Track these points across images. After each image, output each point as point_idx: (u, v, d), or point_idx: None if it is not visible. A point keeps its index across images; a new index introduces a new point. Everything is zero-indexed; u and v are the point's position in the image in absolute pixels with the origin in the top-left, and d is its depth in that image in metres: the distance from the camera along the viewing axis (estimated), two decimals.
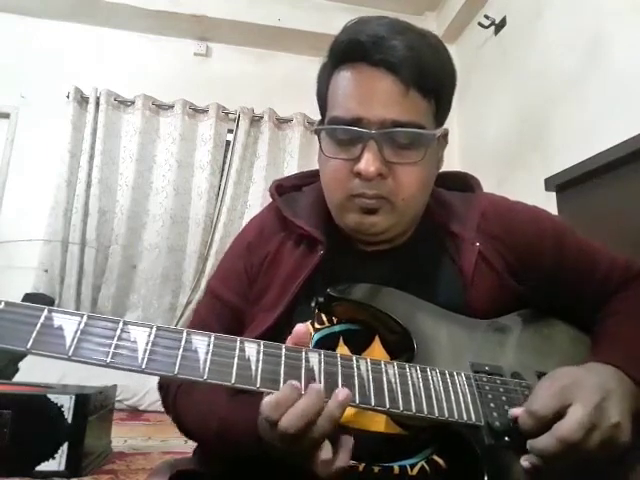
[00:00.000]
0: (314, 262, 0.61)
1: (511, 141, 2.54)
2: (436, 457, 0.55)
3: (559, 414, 0.47)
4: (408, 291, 0.59)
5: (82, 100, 3.05)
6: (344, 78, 0.58)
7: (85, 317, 0.40)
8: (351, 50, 0.57)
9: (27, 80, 3.00)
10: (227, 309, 0.67)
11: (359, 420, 0.55)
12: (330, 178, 0.60)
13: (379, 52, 0.55)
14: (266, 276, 0.65)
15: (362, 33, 0.56)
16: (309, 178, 0.74)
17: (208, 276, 2.92)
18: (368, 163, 0.55)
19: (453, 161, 2.90)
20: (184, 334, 0.43)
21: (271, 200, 0.70)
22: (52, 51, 3.05)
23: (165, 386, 0.67)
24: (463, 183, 0.71)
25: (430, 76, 0.57)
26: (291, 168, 3.14)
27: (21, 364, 2.42)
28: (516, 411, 0.50)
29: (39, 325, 0.38)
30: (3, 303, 0.38)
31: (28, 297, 2.71)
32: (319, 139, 0.61)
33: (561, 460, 0.46)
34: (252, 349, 0.44)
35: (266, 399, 0.42)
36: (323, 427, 0.42)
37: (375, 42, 0.55)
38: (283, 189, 0.71)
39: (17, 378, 2.32)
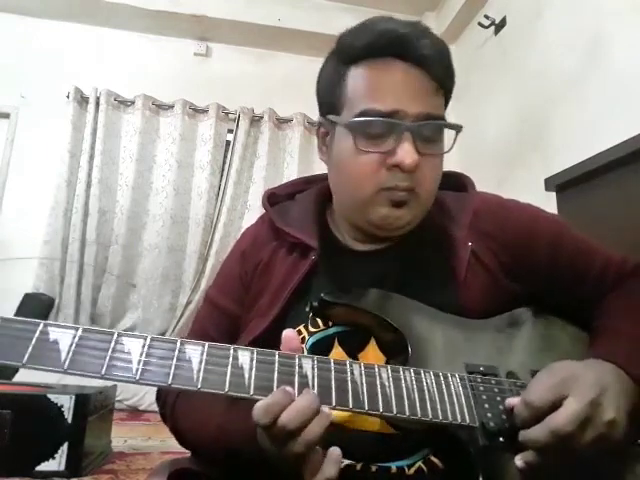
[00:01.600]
0: (306, 267, 0.62)
1: (511, 141, 2.54)
2: (433, 457, 0.55)
3: (555, 406, 0.47)
4: (402, 291, 0.60)
5: (82, 100, 3.05)
6: (374, 72, 0.59)
7: (80, 330, 0.40)
8: (386, 46, 0.58)
9: (27, 80, 3.00)
10: (225, 316, 0.68)
11: (356, 420, 0.56)
12: (359, 172, 0.60)
13: (415, 49, 0.57)
14: (259, 282, 0.66)
15: (393, 31, 0.58)
16: (302, 185, 0.74)
17: (208, 276, 2.93)
18: (407, 154, 0.56)
19: (453, 161, 2.89)
20: (178, 344, 0.43)
21: (264, 209, 0.71)
22: (52, 51, 3.05)
23: (163, 397, 0.67)
24: (456, 182, 0.71)
25: (450, 75, 0.61)
26: (291, 168, 3.14)
27: None
28: (512, 401, 0.50)
29: (34, 340, 0.39)
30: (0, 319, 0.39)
31: (28, 297, 2.72)
32: (353, 134, 0.58)
33: (553, 454, 0.46)
34: (245, 357, 0.45)
35: (257, 404, 0.43)
36: (314, 431, 0.43)
37: (410, 40, 0.58)
38: (276, 198, 0.72)
39: (17, 378, 2.33)
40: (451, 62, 0.61)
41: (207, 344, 0.44)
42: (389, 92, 0.58)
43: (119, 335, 0.41)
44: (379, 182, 0.58)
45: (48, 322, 0.39)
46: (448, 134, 0.65)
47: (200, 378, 0.42)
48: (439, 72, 0.58)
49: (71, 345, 0.39)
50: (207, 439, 0.57)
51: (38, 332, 0.39)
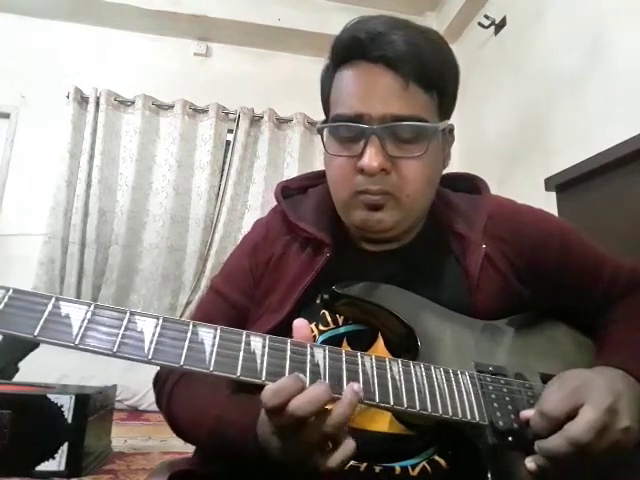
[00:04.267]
0: (320, 264, 0.62)
1: (511, 141, 2.54)
2: (437, 457, 0.55)
3: (570, 415, 0.46)
4: (413, 291, 0.59)
5: (82, 100, 3.04)
6: (345, 76, 0.59)
7: (92, 306, 0.40)
8: (350, 48, 0.58)
9: (27, 80, 3.00)
10: (229, 306, 0.67)
11: (360, 420, 0.56)
12: (335, 176, 0.61)
13: (377, 48, 0.55)
14: (271, 278, 0.65)
15: (360, 30, 0.57)
16: (315, 179, 0.74)
17: (208, 276, 2.92)
18: (371, 158, 0.55)
19: (453, 161, 2.89)
20: (190, 326, 0.43)
21: (277, 202, 0.70)
22: (52, 51, 3.05)
23: (161, 382, 0.66)
24: (470, 185, 0.71)
25: (430, 70, 0.57)
26: (291, 168, 3.14)
27: (21, 364, 2.41)
28: (527, 413, 0.50)
29: (47, 313, 0.38)
30: (11, 290, 0.38)
31: None
32: (322, 138, 0.61)
33: (569, 461, 0.46)
34: (258, 343, 0.44)
35: (267, 386, 0.42)
36: (339, 420, 0.42)
37: (373, 38, 0.56)
38: (289, 191, 0.71)
39: (17, 378, 2.31)
40: (435, 57, 0.57)
41: (220, 327, 0.44)
42: (353, 96, 0.57)
43: (132, 314, 0.40)
44: (352, 185, 0.58)
45: (60, 296, 0.39)
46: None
47: (212, 361, 0.41)
48: (408, 69, 0.55)
49: (83, 320, 0.38)
50: (204, 429, 0.56)
51: (50, 305, 0.38)
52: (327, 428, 0.42)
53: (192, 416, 0.59)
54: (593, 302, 0.64)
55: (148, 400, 2.44)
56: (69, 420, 1.48)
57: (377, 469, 0.54)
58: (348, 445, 0.44)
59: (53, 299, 0.39)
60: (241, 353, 0.43)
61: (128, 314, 0.40)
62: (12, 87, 2.97)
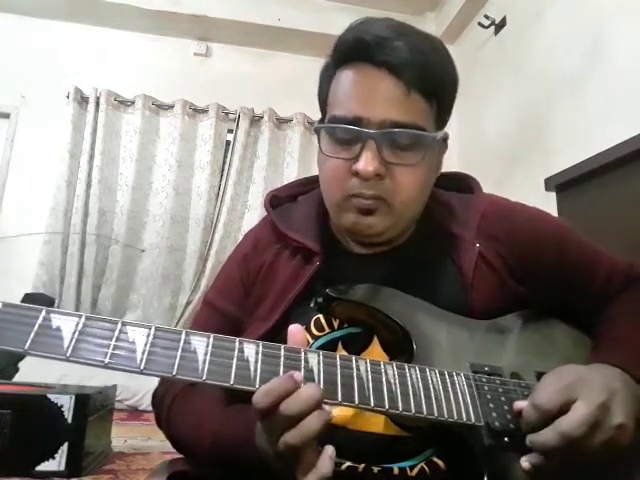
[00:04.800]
0: (310, 273, 0.62)
1: (511, 141, 2.54)
2: (436, 459, 0.55)
3: (563, 410, 0.46)
4: (408, 292, 0.59)
5: (82, 100, 3.05)
6: (346, 77, 0.58)
7: (83, 318, 0.40)
8: (354, 49, 0.57)
9: (27, 80, 3.00)
10: (224, 319, 0.67)
11: (358, 421, 0.55)
12: (328, 177, 0.60)
13: (382, 53, 0.55)
14: (262, 286, 0.65)
15: (366, 33, 0.57)
16: (304, 186, 0.74)
17: (208, 276, 2.92)
18: (367, 162, 0.55)
19: (453, 161, 2.89)
20: (183, 335, 0.43)
21: (266, 212, 0.70)
22: (52, 51, 3.05)
23: (158, 402, 0.66)
24: (462, 184, 0.71)
25: (432, 79, 0.57)
26: (291, 168, 3.14)
27: (21, 364, 2.42)
28: (520, 404, 0.50)
29: (37, 326, 0.38)
30: (1, 304, 0.38)
31: (28, 297, 2.71)
32: (318, 138, 0.61)
33: (561, 458, 0.46)
34: (251, 349, 0.44)
35: (260, 388, 0.42)
36: (313, 424, 0.42)
37: (379, 43, 0.55)
38: (278, 200, 0.71)
39: (17, 378, 2.33)
40: (438, 66, 0.57)
41: (212, 335, 0.44)
42: (353, 98, 0.57)
43: (123, 324, 0.40)
44: (345, 188, 0.58)
45: (50, 309, 0.39)
46: (450, 139, 0.64)
47: (205, 369, 0.41)
48: (411, 76, 0.55)
49: (74, 333, 0.38)
50: (202, 446, 0.56)
51: (40, 318, 0.38)
52: (301, 431, 0.42)
53: (191, 432, 0.59)
54: (590, 300, 0.64)
55: (148, 400, 2.44)
56: (69, 420, 1.48)
57: (375, 470, 0.54)
58: (327, 456, 0.43)
59: (43, 312, 0.39)
60: (234, 361, 0.43)
61: (119, 325, 0.40)
62: (12, 87, 2.97)
